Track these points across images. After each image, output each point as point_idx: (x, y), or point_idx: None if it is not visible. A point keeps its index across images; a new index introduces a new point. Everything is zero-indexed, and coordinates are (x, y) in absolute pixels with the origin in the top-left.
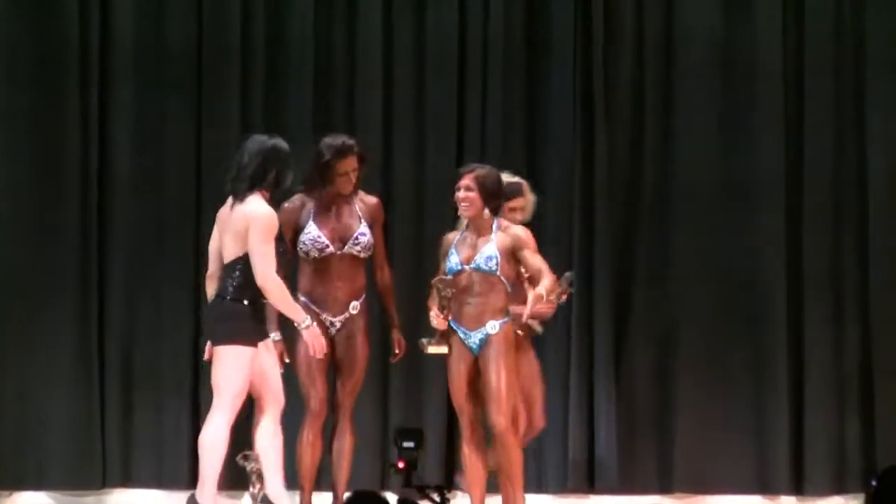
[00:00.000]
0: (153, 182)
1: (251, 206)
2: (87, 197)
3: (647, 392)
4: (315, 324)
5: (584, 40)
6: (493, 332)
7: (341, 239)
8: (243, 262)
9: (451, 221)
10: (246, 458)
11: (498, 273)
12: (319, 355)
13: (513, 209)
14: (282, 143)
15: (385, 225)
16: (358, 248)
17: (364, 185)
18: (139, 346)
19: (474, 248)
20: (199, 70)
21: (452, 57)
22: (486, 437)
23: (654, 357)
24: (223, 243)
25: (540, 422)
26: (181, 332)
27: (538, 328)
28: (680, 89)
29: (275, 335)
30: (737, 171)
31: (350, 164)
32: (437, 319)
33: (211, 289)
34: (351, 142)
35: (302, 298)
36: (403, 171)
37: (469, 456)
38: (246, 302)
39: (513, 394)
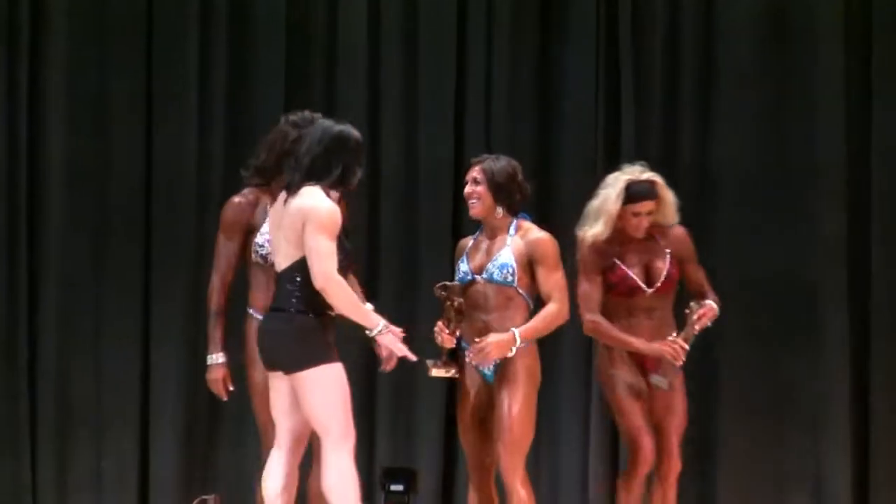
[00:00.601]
0: (94, 173)
1: (308, 198)
2: (14, 193)
3: None
4: (390, 328)
5: (609, 3)
6: (509, 355)
7: None
8: (302, 267)
9: (452, 221)
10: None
11: (515, 285)
12: (408, 356)
13: (636, 214)
14: (351, 131)
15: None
16: None
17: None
18: (76, 376)
19: (488, 254)
20: (148, 40)
21: (450, 26)
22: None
23: (688, 383)
24: (276, 246)
25: (676, 462)
26: (126, 357)
27: (663, 383)
28: (722, 59)
29: (217, 357)
30: (789, 157)
31: None
32: (442, 335)
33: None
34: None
35: (256, 315)
36: (392, 162)
37: None
38: (312, 315)
39: (529, 433)
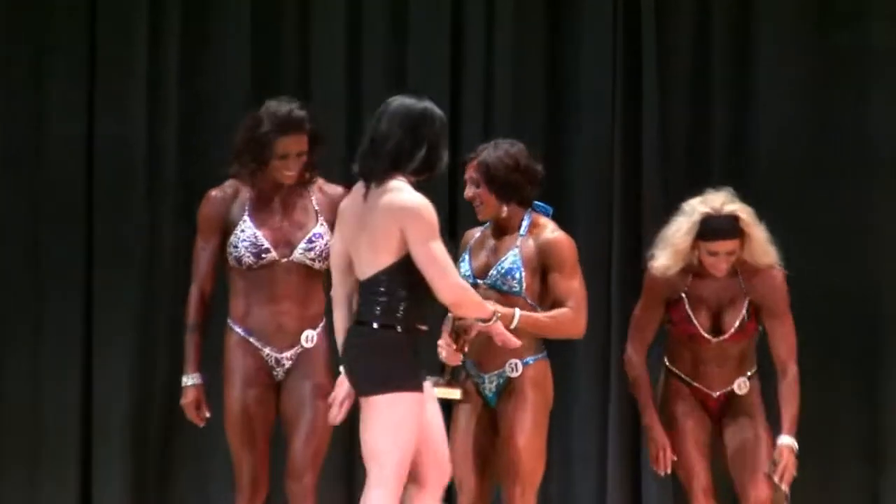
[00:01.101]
0: (27, 162)
1: (399, 194)
2: None
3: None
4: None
5: None
6: (514, 374)
7: (288, 241)
8: (390, 275)
9: (449, 225)
10: None
11: (522, 294)
12: (513, 344)
13: (712, 253)
14: (436, 109)
15: None
16: (312, 254)
17: (325, 172)
18: (8, 389)
19: (494, 254)
20: (92, 10)
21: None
22: None
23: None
24: (355, 250)
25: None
26: (66, 379)
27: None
28: (761, 27)
29: (192, 378)
30: (840, 140)
31: (295, 143)
32: (446, 350)
33: (340, 319)
34: (301, 113)
35: (235, 328)
36: None
37: None
38: (400, 329)
39: (541, 465)
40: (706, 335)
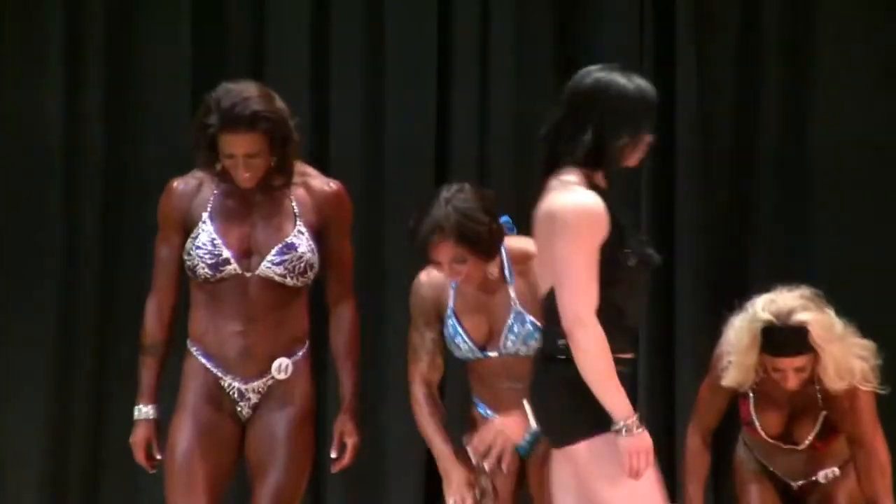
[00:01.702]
0: None
1: (556, 194)
2: None
3: None
4: (642, 429)
5: None
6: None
7: (254, 249)
8: None
9: None
10: None
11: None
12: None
13: (777, 370)
14: (645, 85)
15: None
16: (281, 269)
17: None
18: None
19: (489, 314)
20: None
21: None
22: None
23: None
24: (540, 261)
25: None
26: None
27: None
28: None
29: (144, 411)
30: None
31: (242, 144)
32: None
33: None
34: (250, 108)
35: (192, 350)
36: (348, 144)
37: None
38: None
39: None
40: (772, 442)
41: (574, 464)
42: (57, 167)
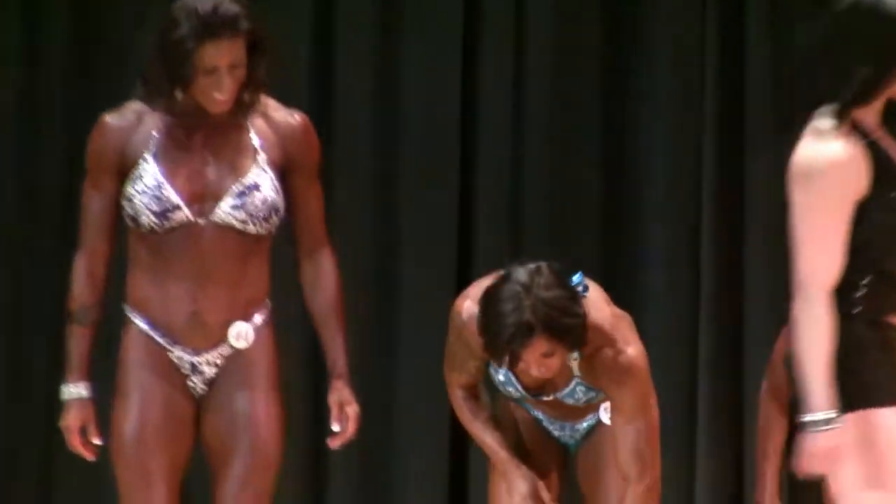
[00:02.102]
0: None
1: (802, 142)
2: None
3: None
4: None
5: None
6: (607, 418)
7: (209, 194)
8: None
9: (458, 217)
10: None
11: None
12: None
13: None
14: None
15: (324, 173)
16: (242, 213)
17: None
18: None
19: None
20: None
21: None
22: None
23: None
24: None
25: None
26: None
27: None
28: None
29: (75, 389)
30: None
31: (226, 52)
32: None
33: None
34: (232, 7)
35: (133, 317)
36: (355, 122)
37: None
38: (861, 321)
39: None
40: None
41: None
42: (10, 126)
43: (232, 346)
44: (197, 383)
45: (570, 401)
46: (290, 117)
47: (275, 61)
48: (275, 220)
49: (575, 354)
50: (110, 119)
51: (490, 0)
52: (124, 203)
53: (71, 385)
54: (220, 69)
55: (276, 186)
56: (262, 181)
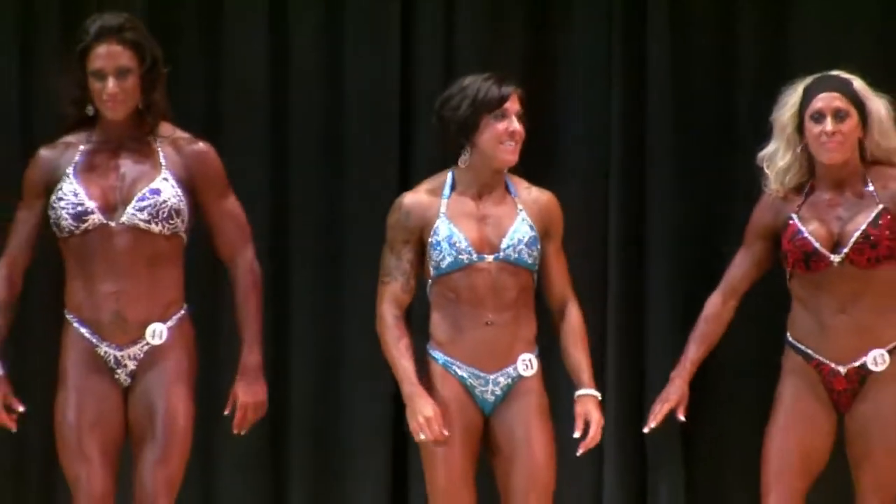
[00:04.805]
0: None
1: None
2: None
3: (736, 482)
4: None
5: None
6: (527, 373)
7: (119, 201)
8: None
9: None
10: None
11: (535, 269)
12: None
13: (818, 116)
14: None
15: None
16: (145, 214)
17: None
18: None
19: (494, 223)
20: None
21: None
22: None
23: (753, 420)
24: None
25: None
26: None
27: None
28: None
29: None
30: None
31: (110, 56)
32: None
33: None
34: (117, 20)
35: (69, 318)
36: (306, 99)
37: None
38: None
39: (555, 476)
40: (823, 250)
41: None
42: (15, 132)
43: (149, 342)
44: (121, 374)
45: (511, 251)
46: (194, 143)
47: (164, 86)
48: (176, 221)
49: (510, 184)
50: (43, 151)
51: (423, 24)
52: (49, 212)
53: None
54: (106, 72)
55: (177, 193)
56: (164, 188)
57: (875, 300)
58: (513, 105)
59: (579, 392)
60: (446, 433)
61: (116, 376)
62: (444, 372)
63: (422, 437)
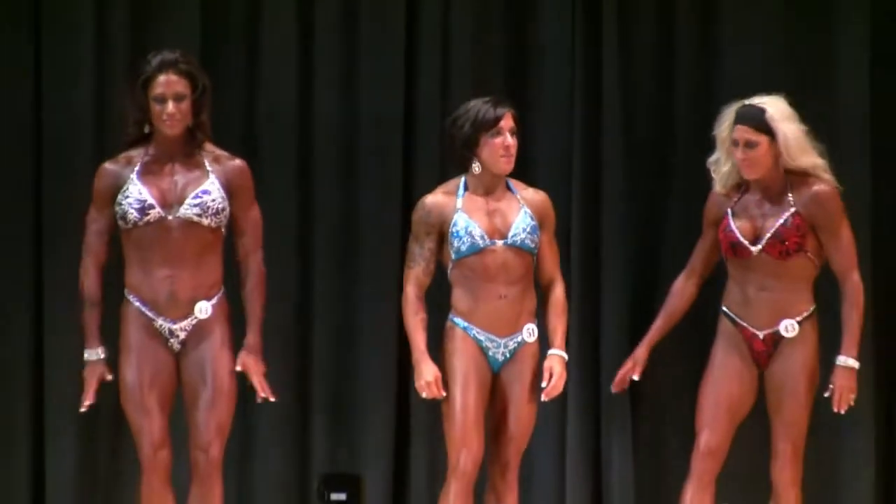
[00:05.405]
0: None
1: None
2: None
3: (678, 435)
4: None
5: None
6: (531, 339)
7: (176, 199)
8: None
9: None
10: None
11: (535, 253)
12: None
13: (735, 143)
14: None
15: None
16: (198, 209)
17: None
18: None
19: (502, 215)
20: None
21: None
22: None
23: (692, 382)
24: None
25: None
26: (14, 345)
27: None
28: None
29: (96, 352)
30: (812, 104)
31: (168, 84)
32: None
33: None
34: (173, 54)
35: (130, 298)
36: (326, 122)
37: None
38: None
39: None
40: (744, 241)
41: None
42: (88, 144)
43: (196, 317)
44: (174, 343)
45: (517, 238)
46: (233, 159)
47: (209, 106)
48: (221, 216)
49: (511, 185)
50: (108, 165)
51: (424, 43)
52: (117, 208)
53: (92, 350)
54: (166, 97)
55: (222, 194)
56: (212, 189)
57: (788, 282)
58: (507, 123)
59: (550, 351)
60: (444, 393)
61: (170, 344)
62: (464, 335)
63: (424, 395)
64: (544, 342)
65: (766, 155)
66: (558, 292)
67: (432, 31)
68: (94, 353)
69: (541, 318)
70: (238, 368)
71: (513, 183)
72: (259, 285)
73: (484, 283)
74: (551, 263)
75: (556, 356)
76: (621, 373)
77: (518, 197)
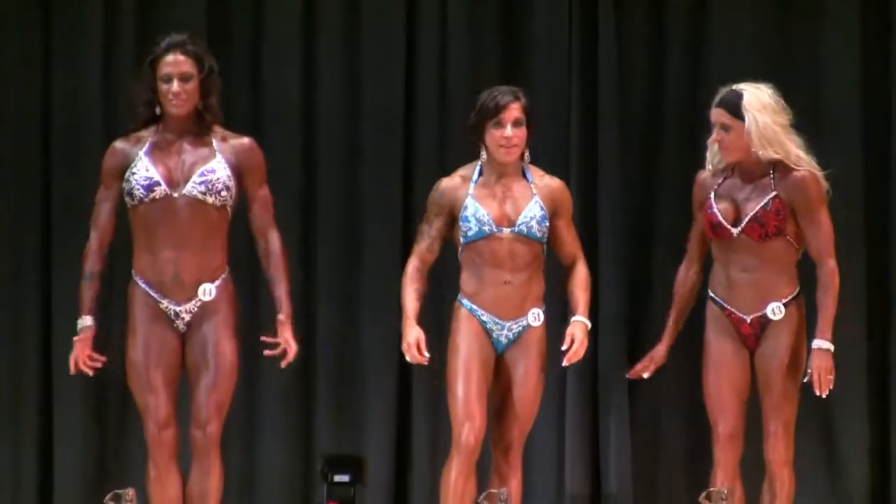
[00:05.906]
0: None
1: None
2: None
3: (673, 413)
4: None
5: None
6: (536, 323)
7: (181, 179)
8: None
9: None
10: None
11: (544, 241)
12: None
13: (713, 125)
14: None
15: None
16: (202, 187)
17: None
18: None
19: (513, 203)
20: None
21: None
22: None
23: (685, 363)
24: None
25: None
26: (23, 330)
27: None
28: None
29: (88, 320)
30: (801, 101)
31: (175, 64)
32: None
33: None
34: (180, 36)
35: (136, 280)
36: (328, 110)
37: (462, 486)
38: None
39: (536, 410)
40: (725, 223)
41: None
42: (97, 129)
43: (201, 299)
44: (179, 324)
45: (524, 227)
46: (242, 138)
47: (217, 89)
48: (226, 195)
49: (527, 173)
50: (118, 143)
51: (423, 43)
52: (124, 185)
53: (84, 317)
54: (172, 77)
55: (227, 173)
56: (218, 168)
57: (770, 265)
58: (510, 114)
59: (573, 318)
60: (427, 355)
61: (175, 325)
62: (469, 315)
63: (407, 358)
64: (552, 327)
65: (738, 139)
66: (581, 266)
67: (431, 28)
68: (83, 321)
69: (553, 300)
70: (281, 344)
71: (529, 170)
72: (282, 257)
73: (490, 268)
74: (572, 245)
75: (580, 322)
76: (639, 367)
77: (532, 185)
